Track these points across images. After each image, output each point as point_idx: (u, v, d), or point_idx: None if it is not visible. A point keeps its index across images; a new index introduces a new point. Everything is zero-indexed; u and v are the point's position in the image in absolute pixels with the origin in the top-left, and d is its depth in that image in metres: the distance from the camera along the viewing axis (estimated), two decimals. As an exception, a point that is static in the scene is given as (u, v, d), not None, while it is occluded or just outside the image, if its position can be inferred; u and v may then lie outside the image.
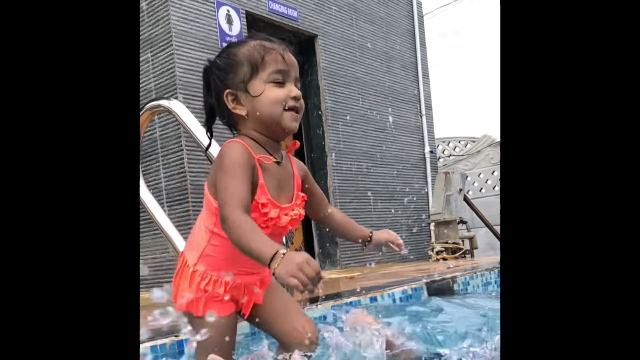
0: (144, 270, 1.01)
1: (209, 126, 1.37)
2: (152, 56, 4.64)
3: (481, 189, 8.47)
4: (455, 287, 3.03)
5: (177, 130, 4.44)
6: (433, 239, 6.17)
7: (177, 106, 2.39)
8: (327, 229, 1.52)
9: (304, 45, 5.76)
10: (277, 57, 1.25)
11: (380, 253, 6.14)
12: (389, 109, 6.70)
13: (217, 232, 1.25)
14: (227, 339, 1.30)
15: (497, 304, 2.19)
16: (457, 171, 6.58)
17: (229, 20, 4.94)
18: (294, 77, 1.27)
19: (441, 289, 2.91)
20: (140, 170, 2.70)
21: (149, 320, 1.09)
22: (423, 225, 6.84)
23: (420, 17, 7.51)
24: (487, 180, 8.45)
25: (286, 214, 1.26)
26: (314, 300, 2.28)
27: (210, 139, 1.42)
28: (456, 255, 5.70)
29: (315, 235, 5.87)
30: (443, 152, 9.88)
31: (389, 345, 1.32)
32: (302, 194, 1.34)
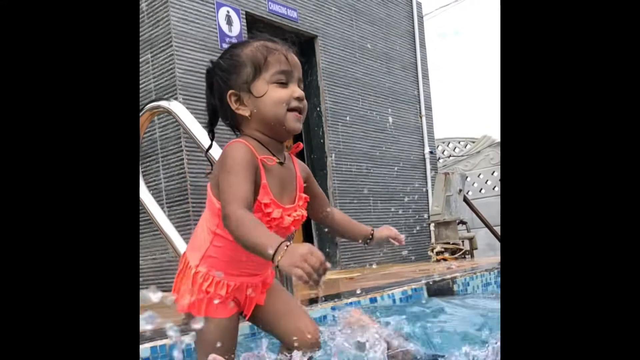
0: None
1: (211, 127, 1.37)
2: (152, 57, 4.65)
3: (481, 189, 8.47)
4: (455, 287, 3.03)
5: (177, 131, 4.44)
6: (433, 240, 6.17)
7: (177, 107, 2.39)
8: (327, 230, 1.51)
9: (303, 46, 5.76)
10: (280, 58, 1.25)
11: (381, 253, 6.12)
12: (389, 110, 6.70)
13: (220, 233, 1.25)
14: (228, 340, 1.29)
15: (497, 305, 2.19)
16: (456, 172, 6.58)
17: (229, 21, 4.94)
18: (297, 77, 1.27)
19: (441, 289, 2.91)
20: (140, 171, 2.69)
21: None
22: (423, 225, 6.84)
23: (420, 17, 7.52)
24: (487, 180, 8.45)
25: (289, 215, 1.26)
26: (314, 300, 2.28)
27: (211, 141, 1.41)
28: (456, 255, 5.70)
29: (315, 236, 5.87)
30: (443, 153, 9.88)
31: (387, 346, 1.32)
32: (304, 195, 1.34)
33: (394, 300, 2.58)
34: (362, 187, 6.20)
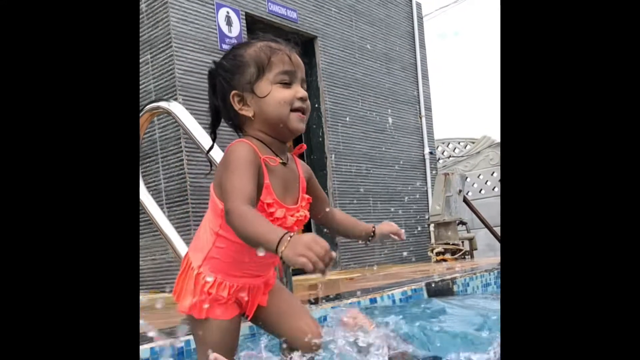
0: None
1: (213, 128, 1.36)
2: (151, 58, 4.65)
3: (481, 190, 8.47)
4: (455, 288, 3.03)
5: (177, 132, 4.44)
6: (433, 240, 6.17)
7: (176, 108, 2.39)
8: (328, 230, 1.51)
9: (303, 47, 5.76)
10: (284, 58, 1.25)
11: (382, 255, 6.12)
12: (389, 110, 6.70)
13: (223, 234, 1.24)
14: (229, 342, 1.29)
15: (496, 305, 2.19)
16: (456, 172, 6.58)
17: (229, 22, 4.95)
18: (300, 77, 1.27)
19: (441, 290, 2.91)
20: (140, 171, 2.69)
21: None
22: (423, 226, 6.84)
23: (420, 18, 7.52)
24: (487, 181, 8.45)
25: (292, 215, 1.26)
26: (314, 301, 2.28)
27: (213, 141, 1.41)
28: (456, 256, 5.70)
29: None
30: (442, 154, 9.88)
31: (387, 347, 1.32)
32: (307, 196, 1.34)
33: (393, 301, 2.58)
34: (362, 187, 6.20)
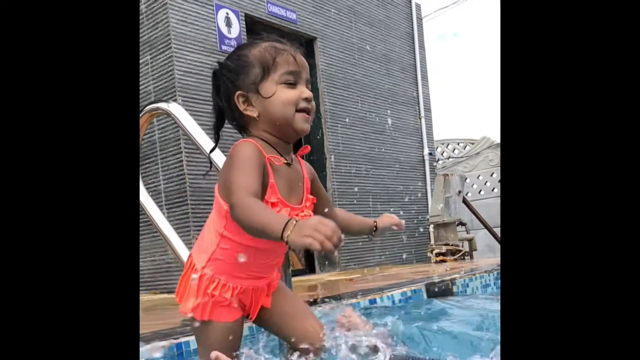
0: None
1: (217, 129, 1.35)
2: (151, 59, 4.65)
3: (480, 190, 8.48)
4: (455, 288, 3.03)
5: (176, 133, 4.44)
6: (432, 241, 6.17)
7: (176, 109, 2.39)
8: None
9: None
10: (289, 58, 1.24)
11: (383, 257, 6.10)
12: (388, 111, 6.71)
13: (227, 235, 1.24)
14: (231, 344, 1.28)
15: (496, 306, 2.19)
16: (456, 173, 6.58)
17: (228, 23, 4.95)
18: (305, 78, 1.27)
19: (440, 290, 2.91)
20: (139, 172, 2.69)
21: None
22: (422, 227, 6.84)
23: (419, 19, 7.53)
24: (486, 182, 8.46)
25: (297, 215, 1.25)
26: (314, 302, 2.28)
27: (217, 142, 1.40)
28: (455, 257, 5.70)
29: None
30: (442, 154, 9.88)
31: (384, 348, 1.31)
32: (311, 197, 1.34)
33: (393, 302, 2.58)
34: (361, 188, 6.20)
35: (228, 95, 1.28)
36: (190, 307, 1.26)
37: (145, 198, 2.60)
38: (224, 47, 4.82)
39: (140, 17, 4.69)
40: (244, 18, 5.09)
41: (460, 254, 5.74)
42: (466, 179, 7.30)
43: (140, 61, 4.63)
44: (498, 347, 1.31)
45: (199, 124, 2.24)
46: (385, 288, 2.74)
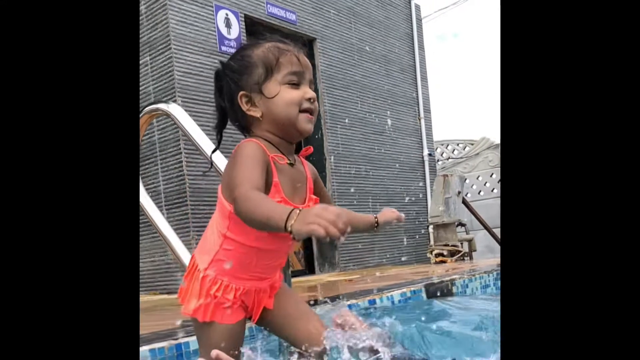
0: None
1: (219, 130, 1.35)
2: (150, 59, 4.65)
3: (480, 191, 8.48)
4: (454, 289, 3.04)
5: (176, 134, 4.44)
6: (432, 242, 6.17)
7: (175, 110, 2.39)
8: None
9: (302, 49, 5.76)
10: (292, 59, 1.24)
11: (385, 260, 6.08)
12: (388, 112, 6.71)
13: (230, 236, 1.23)
14: (233, 346, 1.27)
15: (495, 306, 2.19)
16: (455, 174, 6.58)
17: (228, 24, 4.95)
18: (308, 78, 1.27)
19: (440, 291, 2.91)
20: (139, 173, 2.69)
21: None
22: (422, 228, 6.84)
23: (419, 20, 7.53)
24: (486, 182, 8.46)
25: None
26: (314, 303, 2.27)
27: (219, 143, 1.40)
28: (455, 257, 5.70)
29: (314, 238, 5.86)
30: (442, 155, 9.89)
31: (382, 349, 1.31)
32: (314, 197, 1.34)
33: (392, 302, 2.58)
34: (361, 189, 6.20)
35: (231, 96, 1.27)
36: (192, 309, 1.25)
37: (144, 199, 2.61)
38: (223, 48, 4.82)
39: (140, 18, 4.69)
40: (243, 19, 5.10)
41: (459, 254, 5.74)
42: (465, 179, 7.30)
43: (140, 62, 4.64)
44: (498, 348, 1.31)
45: (199, 125, 2.25)
46: (384, 289, 2.74)
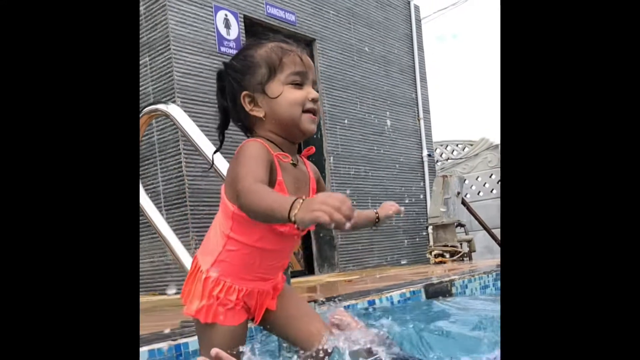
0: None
1: (222, 130, 1.34)
2: (150, 60, 4.65)
3: (479, 192, 8.48)
4: (454, 290, 3.04)
5: (175, 134, 4.44)
6: (431, 242, 6.17)
7: (175, 110, 2.39)
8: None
9: (301, 49, 5.76)
10: (295, 59, 1.24)
11: (385, 261, 6.06)
12: (387, 113, 6.71)
13: (234, 236, 1.23)
14: (235, 347, 1.27)
15: (495, 307, 2.19)
16: (455, 174, 6.58)
17: (227, 25, 4.95)
18: (311, 79, 1.26)
19: (439, 292, 2.91)
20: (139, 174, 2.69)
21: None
22: (422, 228, 6.84)
23: (418, 21, 7.54)
24: (485, 183, 8.46)
25: None
26: (314, 303, 2.27)
27: (221, 143, 1.39)
28: (454, 258, 5.70)
29: (314, 238, 5.87)
30: (441, 156, 9.89)
31: (380, 349, 1.31)
32: None
33: (392, 303, 2.58)
34: (361, 189, 6.20)
35: (234, 96, 1.27)
36: (194, 309, 1.25)
37: (144, 199, 2.60)
38: (222, 49, 4.82)
39: (139, 18, 4.69)
40: (242, 20, 5.10)
41: (459, 255, 5.74)
42: (465, 180, 7.30)
43: (139, 63, 4.64)
44: (497, 349, 1.31)
45: (198, 126, 2.25)
46: (384, 289, 2.74)
